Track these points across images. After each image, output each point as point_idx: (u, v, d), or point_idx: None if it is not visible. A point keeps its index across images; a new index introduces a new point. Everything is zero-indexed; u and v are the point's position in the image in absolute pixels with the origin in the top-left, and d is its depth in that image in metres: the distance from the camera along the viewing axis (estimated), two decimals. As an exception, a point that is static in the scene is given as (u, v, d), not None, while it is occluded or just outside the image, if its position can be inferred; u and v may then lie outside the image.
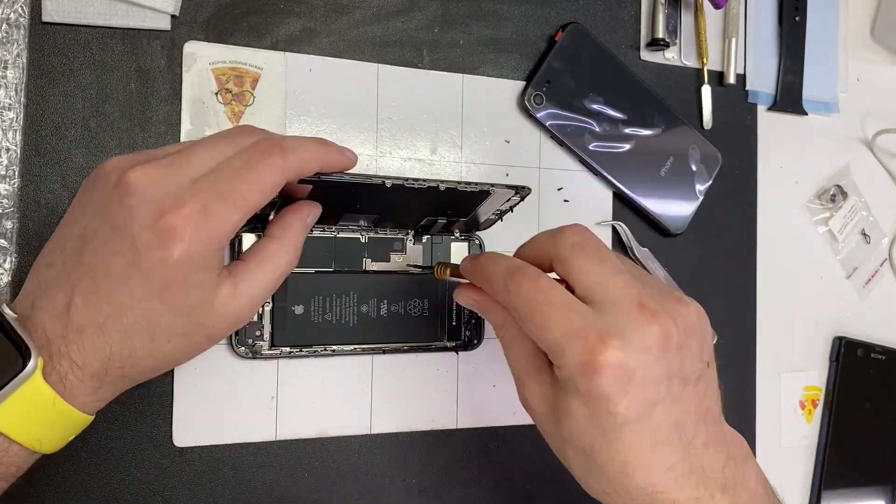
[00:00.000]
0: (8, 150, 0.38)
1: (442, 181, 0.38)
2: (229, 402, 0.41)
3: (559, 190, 0.49)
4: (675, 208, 0.51)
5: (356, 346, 0.43)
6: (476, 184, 0.39)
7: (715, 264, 0.53)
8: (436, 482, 0.45)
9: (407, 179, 0.37)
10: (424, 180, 0.37)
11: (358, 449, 0.43)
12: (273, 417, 0.42)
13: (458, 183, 0.38)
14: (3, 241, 0.37)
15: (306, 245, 0.37)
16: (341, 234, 0.43)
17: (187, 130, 0.41)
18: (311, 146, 0.32)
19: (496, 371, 0.47)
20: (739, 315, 0.54)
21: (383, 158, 0.45)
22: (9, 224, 0.38)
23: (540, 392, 0.33)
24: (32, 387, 0.29)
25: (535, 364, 0.33)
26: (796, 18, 0.56)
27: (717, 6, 0.52)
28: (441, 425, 0.45)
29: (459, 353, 0.46)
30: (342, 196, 0.38)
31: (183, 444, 0.40)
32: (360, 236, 0.43)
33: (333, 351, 0.42)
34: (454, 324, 0.45)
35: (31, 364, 0.28)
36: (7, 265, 0.37)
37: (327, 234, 0.42)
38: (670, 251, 0.52)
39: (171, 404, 0.40)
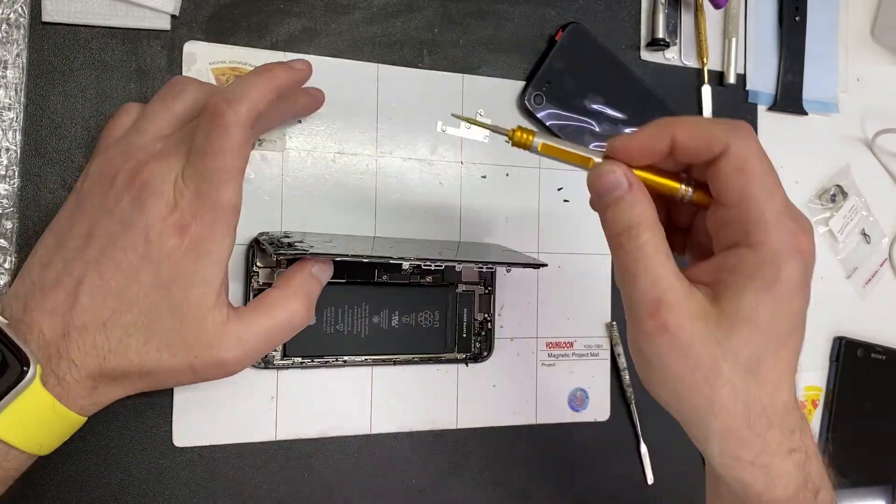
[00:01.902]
0: (8, 150, 0.38)
1: (461, 261, 0.38)
2: (229, 403, 0.41)
3: (559, 190, 0.49)
4: (675, 208, 0.51)
5: (367, 357, 0.43)
6: (494, 263, 0.40)
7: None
8: (436, 482, 0.45)
9: (424, 261, 0.37)
10: (442, 261, 0.38)
11: (358, 449, 0.43)
12: (273, 418, 0.42)
13: (476, 263, 0.39)
14: (3, 241, 0.37)
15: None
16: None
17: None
18: (257, 82, 0.32)
19: (496, 371, 0.47)
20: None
21: (383, 158, 0.45)
22: (9, 224, 0.38)
23: (697, 308, 0.29)
24: (32, 394, 0.29)
25: (682, 278, 0.29)
26: (796, 18, 0.56)
27: (717, 6, 0.52)
28: (441, 425, 0.45)
29: (469, 364, 0.46)
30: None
31: (183, 444, 0.40)
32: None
33: (345, 361, 0.43)
34: (464, 336, 0.45)
35: (30, 372, 0.29)
36: (7, 265, 0.37)
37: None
38: (670, 251, 0.52)
39: (171, 404, 0.40)
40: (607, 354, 0.50)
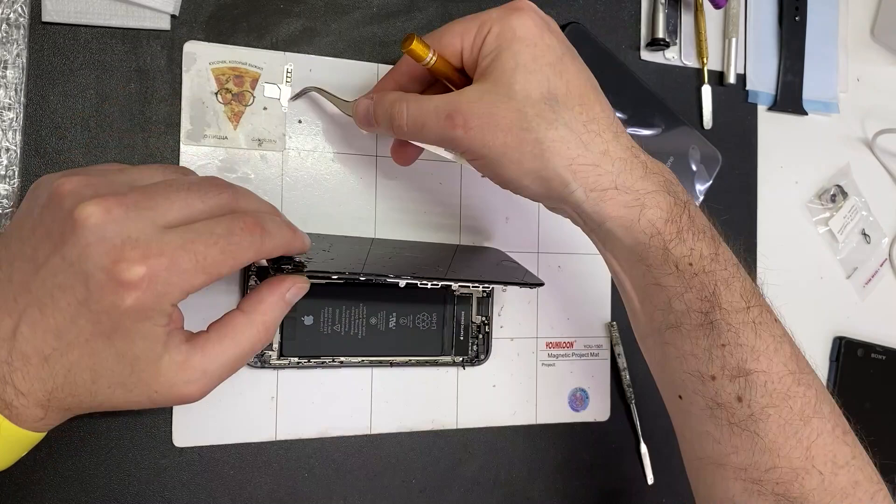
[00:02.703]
0: (8, 150, 0.38)
1: (457, 280, 0.39)
2: (229, 403, 0.41)
3: (559, 190, 0.49)
4: (675, 208, 0.51)
5: (364, 358, 0.43)
6: (491, 282, 0.40)
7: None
8: (436, 482, 0.45)
9: (421, 279, 0.37)
10: (438, 279, 0.38)
11: (358, 449, 0.43)
12: (273, 418, 0.42)
13: (472, 282, 0.40)
14: (2, 241, 0.37)
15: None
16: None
17: (187, 130, 0.41)
18: (286, 234, 0.32)
19: (496, 371, 0.47)
20: (739, 315, 0.54)
21: (383, 158, 0.45)
22: (9, 224, 0.38)
23: (474, 94, 0.34)
24: None
25: (450, 93, 0.35)
26: (796, 18, 0.56)
27: (717, 6, 0.52)
28: (441, 425, 0.45)
29: (466, 368, 0.46)
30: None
31: (183, 444, 0.40)
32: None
33: (341, 363, 0.43)
34: (461, 338, 0.45)
35: None
36: (7, 265, 0.37)
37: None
38: (670, 251, 0.52)
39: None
40: (607, 354, 0.50)
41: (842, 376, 0.57)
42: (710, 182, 0.52)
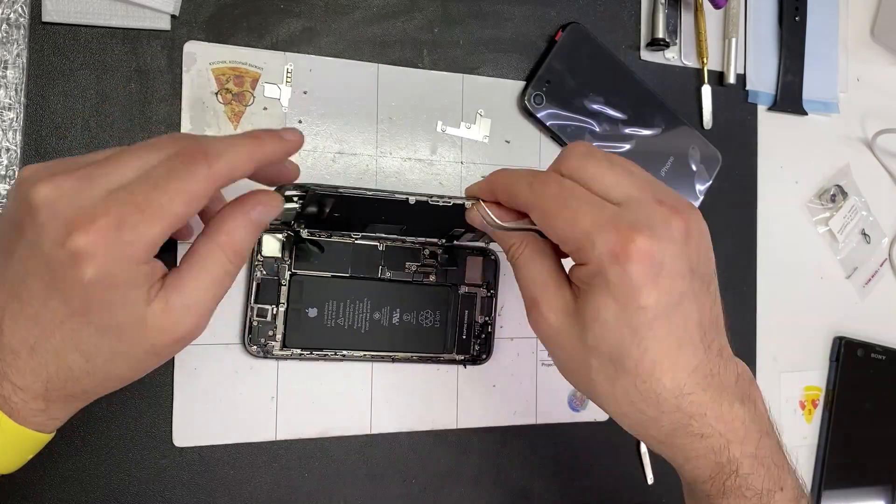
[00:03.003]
0: (8, 150, 0.38)
1: (469, 198, 0.37)
2: (229, 402, 0.41)
3: (559, 190, 0.49)
4: (675, 208, 0.51)
5: (366, 353, 0.43)
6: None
7: (715, 264, 0.53)
8: (436, 482, 0.45)
9: (431, 196, 0.36)
10: (450, 197, 0.36)
11: (358, 449, 0.43)
12: (273, 417, 0.42)
13: (479, 199, 0.38)
14: (3, 241, 0.37)
15: (325, 249, 0.38)
16: (359, 241, 0.43)
17: (187, 130, 0.41)
18: (240, 147, 0.29)
19: (496, 371, 0.47)
20: (739, 315, 0.54)
21: (383, 158, 0.45)
22: None
23: (561, 305, 0.32)
24: None
25: (555, 280, 0.33)
26: (796, 18, 0.56)
27: (717, 6, 0.52)
28: (441, 425, 0.45)
29: (467, 367, 0.46)
30: (365, 208, 0.38)
31: (183, 444, 0.40)
32: (378, 244, 0.43)
33: (344, 356, 0.43)
34: (464, 337, 0.45)
35: None
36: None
37: (346, 240, 0.43)
38: (670, 251, 0.52)
39: (171, 404, 0.40)
40: (607, 354, 0.50)
41: (842, 376, 0.57)
42: (710, 182, 0.52)
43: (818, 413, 0.57)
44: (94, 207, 0.26)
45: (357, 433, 0.43)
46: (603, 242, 0.29)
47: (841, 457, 0.57)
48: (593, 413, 0.49)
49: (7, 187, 0.38)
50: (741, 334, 0.54)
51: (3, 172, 0.38)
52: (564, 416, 0.48)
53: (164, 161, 0.28)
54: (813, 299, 0.57)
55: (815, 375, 0.57)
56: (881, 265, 0.60)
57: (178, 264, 0.30)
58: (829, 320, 0.58)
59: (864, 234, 0.59)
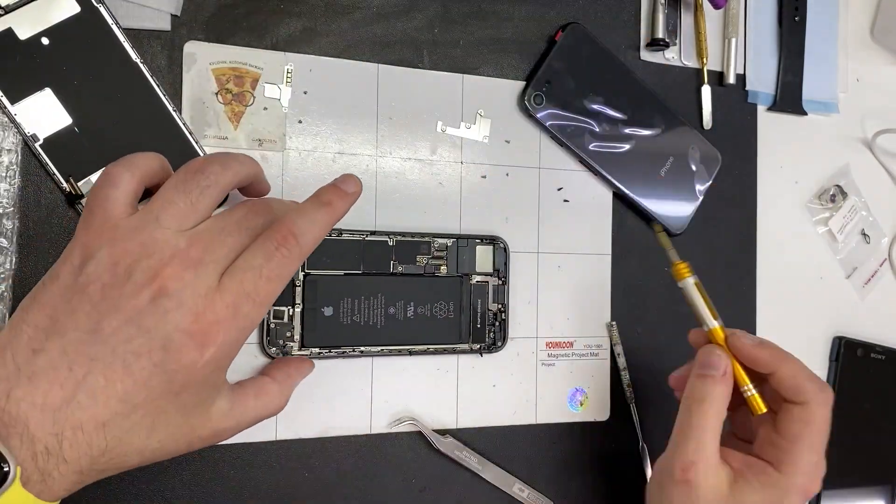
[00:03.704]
0: (9, 150, 0.38)
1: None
2: (229, 402, 0.41)
3: (559, 190, 0.49)
4: (674, 208, 0.51)
5: (383, 348, 0.43)
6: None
7: (715, 264, 0.53)
8: (436, 482, 0.45)
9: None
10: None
11: (358, 449, 0.43)
12: (273, 417, 0.42)
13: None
14: (3, 240, 0.37)
15: (336, 248, 0.41)
16: (369, 238, 0.43)
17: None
18: (320, 221, 0.33)
19: (496, 371, 0.47)
20: (739, 315, 0.54)
21: (383, 159, 0.45)
22: (9, 224, 0.38)
23: (716, 482, 0.36)
24: (9, 496, 0.27)
25: (716, 458, 0.37)
26: (796, 18, 0.56)
27: (716, 6, 0.52)
28: (441, 425, 0.45)
29: (484, 355, 0.46)
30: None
31: (183, 444, 0.40)
32: (388, 239, 0.43)
33: (362, 352, 0.43)
34: (479, 326, 0.46)
35: (10, 477, 0.26)
36: (7, 265, 0.37)
37: (356, 237, 0.43)
38: (670, 251, 0.52)
39: (172, 404, 0.40)
40: (607, 354, 0.50)
41: (841, 376, 0.57)
42: (710, 182, 0.52)
43: (818, 413, 0.57)
44: (213, 296, 0.29)
45: (357, 433, 0.43)
46: (808, 468, 0.38)
47: (841, 457, 0.57)
48: (593, 413, 0.49)
49: (7, 187, 0.38)
50: (741, 334, 0.54)
51: (3, 172, 0.38)
52: (564, 416, 0.48)
53: (260, 244, 0.31)
54: (813, 299, 0.57)
55: (814, 375, 0.57)
56: (881, 265, 0.60)
57: (238, 384, 0.34)
58: (829, 320, 0.58)
59: (864, 234, 0.59)
